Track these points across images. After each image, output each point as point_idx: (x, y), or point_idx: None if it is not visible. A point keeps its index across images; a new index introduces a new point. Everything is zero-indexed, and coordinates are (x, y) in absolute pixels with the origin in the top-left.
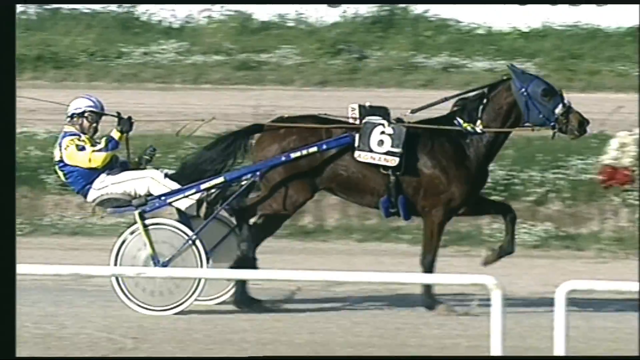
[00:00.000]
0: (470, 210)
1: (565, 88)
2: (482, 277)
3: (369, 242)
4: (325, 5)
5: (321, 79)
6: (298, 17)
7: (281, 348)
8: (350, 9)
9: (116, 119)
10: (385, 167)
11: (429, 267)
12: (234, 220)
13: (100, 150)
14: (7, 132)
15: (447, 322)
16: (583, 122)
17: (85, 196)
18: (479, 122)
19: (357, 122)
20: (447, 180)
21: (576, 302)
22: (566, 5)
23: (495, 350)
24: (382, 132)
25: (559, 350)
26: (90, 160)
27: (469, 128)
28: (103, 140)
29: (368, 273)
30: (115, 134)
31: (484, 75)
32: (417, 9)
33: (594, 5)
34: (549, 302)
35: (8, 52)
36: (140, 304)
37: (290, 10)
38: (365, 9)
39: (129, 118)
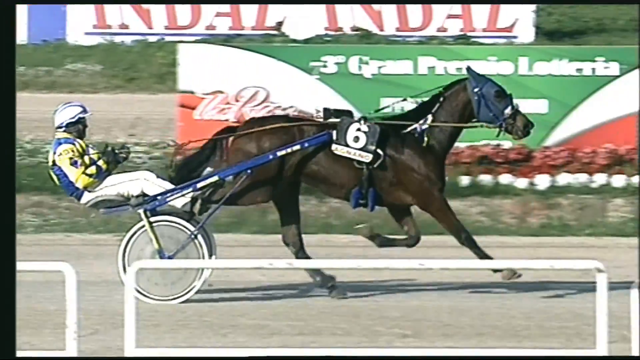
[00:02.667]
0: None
1: None
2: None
3: None
4: None
5: None
6: None
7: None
8: None
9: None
10: (359, 162)
11: (470, 243)
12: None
13: (90, 175)
14: (7, 132)
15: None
16: (527, 125)
17: (78, 199)
18: (430, 118)
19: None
20: (421, 170)
21: None
22: None
23: None
24: (358, 129)
25: None
26: (77, 179)
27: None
28: (95, 167)
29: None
30: (103, 165)
31: None
32: None
33: None
34: None
35: (8, 53)
36: (147, 294)
37: None
38: None
39: (113, 150)
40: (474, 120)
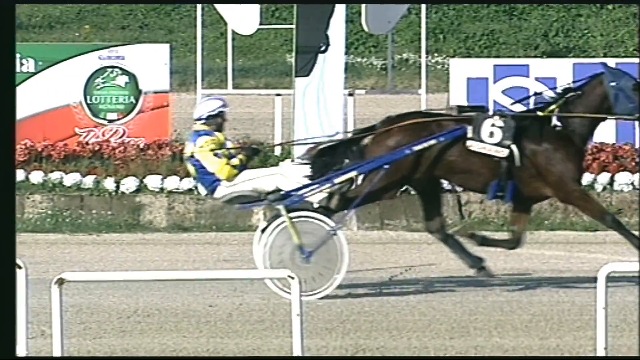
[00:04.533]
0: None
1: None
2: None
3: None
4: None
5: None
6: None
7: None
8: None
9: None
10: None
11: (616, 225)
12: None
13: (234, 166)
14: (6, 130)
15: None
16: None
17: (212, 192)
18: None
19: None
20: (561, 161)
21: None
22: None
23: None
24: (493, 125)
25: None
26: (220, 170)
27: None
28: (238, 159)
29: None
30: (243, 158)
31: None
32: None
33: None
34: None
35: (8, 52)
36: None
37: None
38: None
39: (251, 144)
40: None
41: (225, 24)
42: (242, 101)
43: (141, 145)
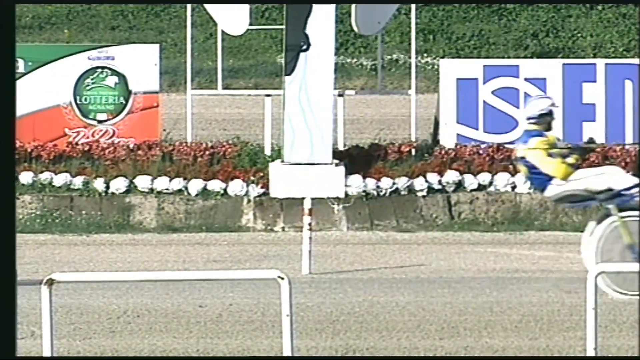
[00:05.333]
0: None
1: None
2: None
3: None
4: None
5: None
6: None
7: None
8: None
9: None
10: None
11: None
12: None
13: (571, 165)
14: (7, 130)
15: None
16: None
17: (542, 191)
18: None
19: None
20: None
21: None
22: None
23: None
24: None
25: None
26: (556, 170)
27: None
28: (573, 158)
29: None
30: (578, 157)
31: None
32: None
33: None
34: None
35: (8, 52)
36: (620, 290)
37: None
38: None
39: (585, 145)
40: None
41: (215, 24)
42: (232, 102)
43: (131, 146)
